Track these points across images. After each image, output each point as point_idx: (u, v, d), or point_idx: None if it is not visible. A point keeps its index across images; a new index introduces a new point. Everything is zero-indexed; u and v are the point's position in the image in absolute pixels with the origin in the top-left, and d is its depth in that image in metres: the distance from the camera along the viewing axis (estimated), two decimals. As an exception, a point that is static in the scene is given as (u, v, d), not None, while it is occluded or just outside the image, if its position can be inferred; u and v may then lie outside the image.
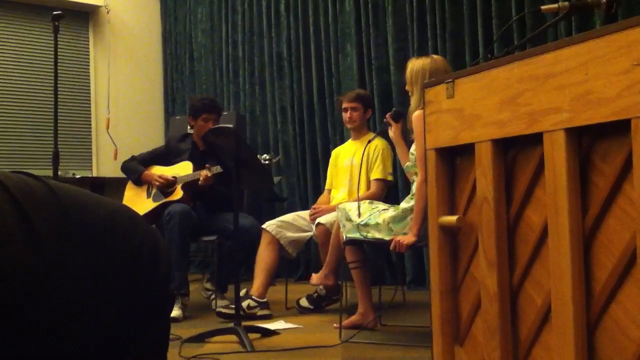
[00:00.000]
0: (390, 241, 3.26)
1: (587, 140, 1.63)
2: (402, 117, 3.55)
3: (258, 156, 3.75)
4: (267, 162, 3.87)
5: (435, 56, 3.45)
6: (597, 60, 1.57)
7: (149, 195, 4.53)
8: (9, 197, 0.74)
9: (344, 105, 4.46)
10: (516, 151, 1.89)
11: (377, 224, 3.32)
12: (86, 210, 0.85)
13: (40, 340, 0.74)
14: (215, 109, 4.56)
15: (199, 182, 4.29)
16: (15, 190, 0.76)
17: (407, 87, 3.42)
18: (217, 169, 4.24)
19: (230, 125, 4.19)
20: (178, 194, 4.39)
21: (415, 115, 3.16)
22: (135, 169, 4.59)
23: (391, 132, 3.60)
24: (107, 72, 7.32)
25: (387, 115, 3.60)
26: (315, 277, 4.05)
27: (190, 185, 4.39)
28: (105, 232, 0.86)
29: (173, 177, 4.44)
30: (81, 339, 0.79)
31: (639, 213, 1.45)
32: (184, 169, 4.47)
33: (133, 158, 4.70)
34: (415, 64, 3.36)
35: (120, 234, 0.89)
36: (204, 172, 4.27)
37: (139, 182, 4.58)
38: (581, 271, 1.61)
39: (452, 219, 2.12)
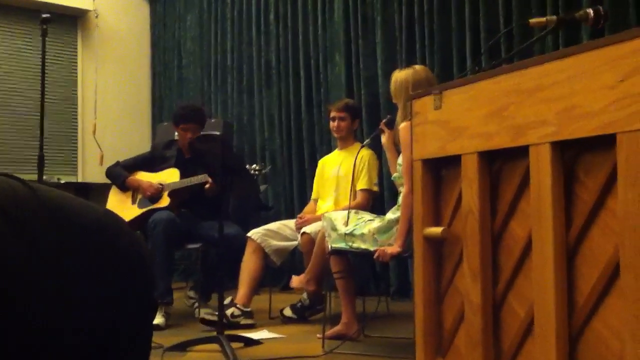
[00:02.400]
0: (375, 251, 3.26)
1: (572, 154, 1.64)
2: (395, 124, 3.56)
3: (247, 166, 3.75)
4: (256, 172, 3.86)
5: (417, 67, 3.46)
6: (583, 74, 1.58)
7: (134, 202, 4.51)
8: None
9: (332, 114, 4.46)
10: (502, 163, 1.90)
11: (363, 234, 3.32)
12: (71, 212, 0.84)
13: (21, 340, 0.73)
14: (195, 118, 4.49)
15: (206, 193, 4.26)
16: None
17: (393, 100, 3.44)
18: (204, 177, 4.22)
19: (217, 133, 4.18)
20: (165, 201, 4.37)
21: (402, 126, 3.17)
22: (120, 174, 4.56)
23: (384, 139, 3.59)
24: (95, 77, 7.29)
25: (381, 123, 3.60)
26: (296, 280, 4.04)
27: (177, 193, 4.37)
28: (91, 234, 0.85)
29: (160, 184, 4.42)
30: (62, 341, 0.78)
31: (622, 227, 1.46)
32: (171, 176, 4.45)
33: (117, 163, 4.67)
34: (398, 77, 3.37)
35: (106, 237, 0.88)
36: (195, 179, 4.25)
37: (123, 187, 4.55)
38: (564, 283, 1.62)
39: (437, 230, 2.13)
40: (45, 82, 3.98)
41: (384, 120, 3.62)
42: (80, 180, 7.05)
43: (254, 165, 3.90)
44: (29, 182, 0.82)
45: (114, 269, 0.86)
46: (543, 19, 2.17)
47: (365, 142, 4.05)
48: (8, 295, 0.71)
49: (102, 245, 0.86)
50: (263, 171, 3.98)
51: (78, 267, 0.81)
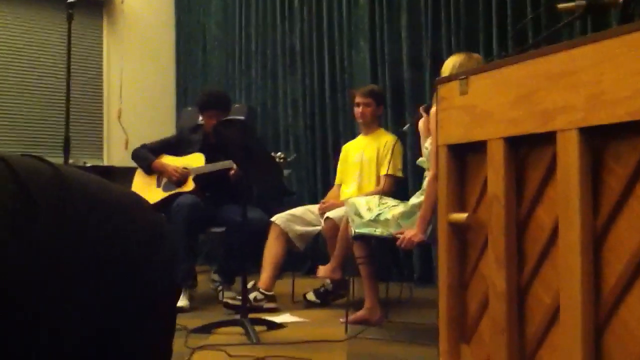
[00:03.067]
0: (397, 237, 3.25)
1: (600, 140, 1.62)
2: None
3: (272, 154, 3.76)
4: (281, 160, 3.87)
5: (475, 55, 3.40)
6: (612, 60, 1.55)
7: (159, 185, 4.54)
8: (15, 178, 0.75)
9: (357, 100, 4.45)
10: (528, 149, 1.87)
11: (387, 220, 3.31)
12: (94, 192, 0.85)
13: (35, 318, 0.74)
14: (220, 105, 4.51)
15: (231, 178, 4.28)
16: (22, 172, 0.76)
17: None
18: (228, 163, 4.23)
19: (241, 118, 4.19)
20: (190, 185, 4.40)
21: (433, 111, 3.14)
22: (146, 157, 4.59)
23: (421, 124, 3.57)
24: (120, 62, 7.33)
25: (420, 108, 3.58)
26: (322, 270, 4.05)
27: (201, 178, 4.39)
28: (114, 214, 0.86)
29: (185, 168, 4.45)
30: (85, 317, 0.79)
31: (651, 215, 1.44)
32: (196, 160, 4.47)
33: (144, 146, 4.70)
34: (448, 60, 3.31)
35: (128, 217, 0.88)
36: (221, 165, 4.27)
37: (149, 170, 4.58)
38: (591, 272, 1.60)
39: (462, 216, 2.11)
40: (71, 67, 4.01)
41: (422, 106, 3.59)
42: (105, 163, 7.12)
43: (278, 153, 3.90)
44: (53, 164, 0.83)
45: (135, 249, 0.87)
46: (572, 4, 2.14)
47: (405, 127, 4.05)
48: (28, 274, 0.72)
49: (125, 224, 0.86)
50: (288, 159, 3.98)
51: (100, 246, 0.82)
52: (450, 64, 3.26)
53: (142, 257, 0.89)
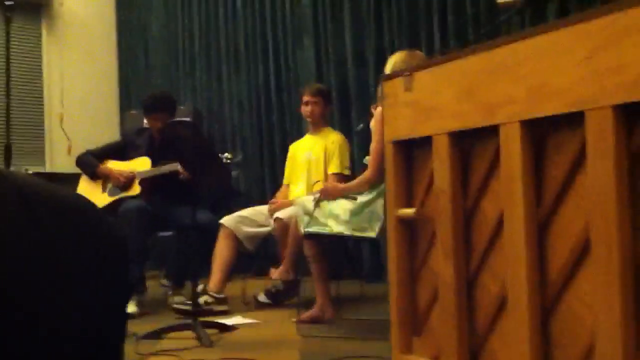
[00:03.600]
0: (350, 237, 3.30)
1: (542, 132, 1.66)
2: None
3: (219, 155, 3.73)
4: (228, 161, 3.84)
5: (417, 51, 3.45)
6: (551, 52, 1.59)
7: (104, 190, 4.46)
8: None
9: (305, 98, 4.45)
10: (473, 143, 1.91)
11: (337, 215, 3.32)
12: (43, 195, 0.83)
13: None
14: (165, 107, 4.43)
15: (182, 181, 4.21)
16: None
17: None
18: (174, 166, 4.18)
19: (189, 119, 4.15)
20: (135, 189, 4.33)
21: (379, 110, 3.17)
22: (91, 163, 4.51)
23: (373, 123, 3.59)
24: (60, 66, 7.17)
25: (372, 107, 3.60)
26: (275, 272, 4.04)
27: (148, 181, 4.33)
28: (67, 216, 0.84)
29: (131, 172, 4.38)
30: (38, 325, 0.78)
31: (591, 203, 1.48)
32: (141, 164, 4.41)
33: (88, 152, 4.61)
34: (392, 59, 3.34)
35: (82, 219, 0.87)
36: (166, 168, 4.21)
37: (94, 176, 4.50)
38: (536, 260, 1.64)
39: (410, 211, 2.14)
40: (10, 72, 3.90)
41: (374, 105, 3.61)
42: (48, 170, 6.96)
43: (225, 154, 3.88)
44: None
45: (91, 250, 0.86)
46: (511, -1, 2.19)
47: (359, 127, 4.07)
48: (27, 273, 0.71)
49: (79, 226, 0.85)
50: (235, 160, 3.96)
51: (54, 249, 0.80)
52: (392, 62, 3.30)
53: (99, 259, 0.88)
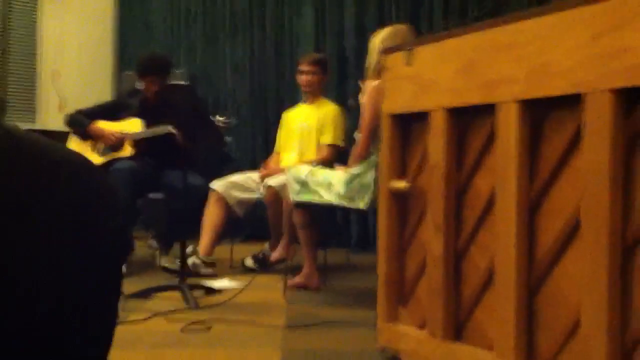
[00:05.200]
0: (339, 206, 3.33)
1: (539, 112, 1.68)
2: None
3: (215, 117, 3.73)
4: (222, 124, 3.83)
5: (399, 26, 3.45)
6: (554, 33, 1.61)
7: (94, 150, 4.46)
8: None
9: (302, 67, 4.44)
10: (469, 119, 1.93)
11: (331, 184, 3.35)
12: (38, 147, 0.84)
13: None
14: (160, 70, 4.41)
15: (179, 145, 4.21)
16: None
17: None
18: (167, 128, 4.16)
19: (186, 83, 4.13)
20: (127, 150, 4.33)
21: (373, 85, 3.17)
22: (81, 122, 4.48)
23: (364, 98, 3.60)
24: (56, 22, 7.09)
25: (360, 81, 3.60)
26: (276, 253, 4.11)
27: (141, 143, 4.33)
28: (62, 169, 0.85)
29: (122, 132, 4.37)
30: (31, 282, 0.79)
31: (585, 184, 1.51)
32: (133, 125, 4.40)
33: (79, 111, 4.58)
34: (377, 35, 3.35)
35: (78, 172, 0.88)
36: (160, 129, 4.20)
37: (84, 135, 4.48)
38: (525, 237, 1.67)
39: (402, 183, 2.17)
40: (5, 27, 3.87)
41: (364, 79, 3.62)
42: (38, 127, 6.92)
43: (219, 117, 3.87)
44: None
45: (88, 204, 0.86)
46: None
47: (350, 101, 4.08)
48: None
49: (75, 179, 0.86)
50: (228, 123, 3.95)
51: (50, 202, 0.81)
52: (380, 36, 3.31)
53: (96, 214, 0.89)
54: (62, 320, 0.84)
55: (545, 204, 1.65)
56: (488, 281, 1.81)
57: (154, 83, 4.31)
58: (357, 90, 3.69)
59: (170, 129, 4.16)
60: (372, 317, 2.35)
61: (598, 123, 1.48)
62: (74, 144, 4.53)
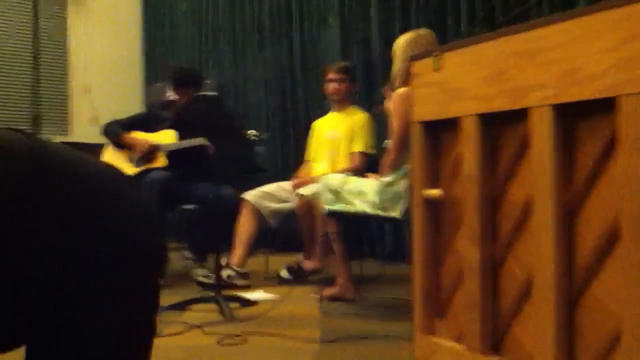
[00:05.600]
0: (373, 216, 3.30)
1: (572, 117, 1.64)
2: None
3: (247, 132, 3.73)
4: (255, 138, 3.84)
5: (421, 30, 3.42)
6: (584, 37, 1.57)
7: (129, 160, 4.50)
8: None
9: (330, 76, 4.43)
10: (501, 126, 1.89)
11: (364, 193, 3.32)
12: (73, 162, 0.83)
13: (14, 287, 0.73)
14: (193, 82, 4.50)
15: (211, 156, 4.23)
16: (3, 145, 0.75)
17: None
18: (200, 140, 4.18)
19: (213, 93, 4.15)
20: (161, 161, 4.36)
21: (400, 92, 3.14)
22: (116, 132, 4.55)
23: (388, 104, 3.58)
24: (86, 37, 7.20)
25: (384, 89, 3.58)
26: (310, 264, 4.11)
27: (174, 154, 4.35)
28: (95, 183, 0.84)
29: (156, 144, 4.41)
30: (64, 291, 0.78)
31: (621, 191, 1.47)
32: (167, 136, 4.43)
33: (115, 122, 4.65)
34: (399, 40, 3.33)
35: (111, 186, 0.87)
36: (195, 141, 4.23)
37: (118, 144, 4.53)
38: (564, 247, 1.63)
39: (436, 192, 2.13)
40: (37, 42, 3.93)
41: (386, 86, 3.59)
42: (71, 140, 7.02)
43: (251, 131, 3.87)
44: (32, 135, 0.82)
45: (121, 218, 0.86)
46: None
47: (373, 111, 4.06)
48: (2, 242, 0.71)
49: (108, 194, 0.85)
50: (261, 137, 3.95)
51: (81, 216, 0.81)
52: (401, 43, 3.28)
53: (129, 228, 0.88)
54: (95, 332, 0.84)
55: (582, 211, 1.61)
56: (526, 292, 1.77)
57: (188, 94, 4.37)
58: (381, 98, 3.66)
59: (203, 141, 4.17)
60: (407, 330, 2.32)
61: (633, 126, 1.43)
62: (110, 154, 4.59)
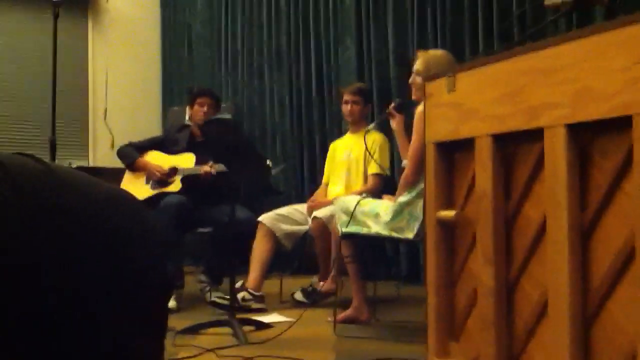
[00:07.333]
0: (387, 237, 3.28)
1: (587, 136, 1.63)
2: (405, 108, 3.52)
3: (267, 162, 3.74)
4: (272, 168, 3.84)
5: (437, 51, 3.43)
6: (597, 56, 1.56)
7: (147, 182, 4.51)
8: (5, 175, 0.74)
9: (345, 97, 4.44)
10: (515, 146, 1.88)
11: (378, 214, 3.30)
12: (84, 185, 0.84)
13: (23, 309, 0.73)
14: (211, 94, 4.59)
15: (200, 175, 4.28)
16: (13, 169, 0.75)
17: (416, 80, 3.32)
18: (220, 167, 4.19)
19: (229, 116, 4.17)
20: (177, 185, 4.37)
21: (420, 110, 3.14)
22: (131, 155, 4.57)
23: (394, 124, 3.57)
24: (105, 62, 7.29)
25: (390, 107, 3.58)
26: (325, 286, 4.07)
27: (189, 178, 4.36)
28: (106, 208, 0.85)
29: (173, 167, 4.42)
30: (69, 316, 0.78)
31: (637, 210, 1.45)
32: (186, 160, 4.44)
33: (130, 144, 4.68)
34: (427, 55, 3.32)
35: (121, 211, 0.88)
36: (206, 168, 4.26)
37: (132, 167, 4.56)
38: (578, 267, 1.61)
39: (450, 213, 2.12)
40: (57, 67, 3.98)
41: (392, 105, 3.59)
42: (91, 164, 7.08)
43: (268, 162, 3.88)
44: (42, 160, 0.83)
45: (128, 242, 0.86)
46: (558, 0, 2.15)
47: (369, 127, 4.04)
48: (14, 262, 0.71)
49: (117, 218, 0.85)
50: (275, 169, 3.96)
51: (91, 238, 0.81)
52: (423, 63, 3.27)
53: (135, 253, 0.88)
54: (104, 356, 0.83)
55: (597, 231, 1.58)
56: (541, 313, 1.74)
57: (207, 106, 4.42)
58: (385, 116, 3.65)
59: (222, 167, 4.18)
60: (423, 353, 2.29)
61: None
62: (128, 176, 4.61)
